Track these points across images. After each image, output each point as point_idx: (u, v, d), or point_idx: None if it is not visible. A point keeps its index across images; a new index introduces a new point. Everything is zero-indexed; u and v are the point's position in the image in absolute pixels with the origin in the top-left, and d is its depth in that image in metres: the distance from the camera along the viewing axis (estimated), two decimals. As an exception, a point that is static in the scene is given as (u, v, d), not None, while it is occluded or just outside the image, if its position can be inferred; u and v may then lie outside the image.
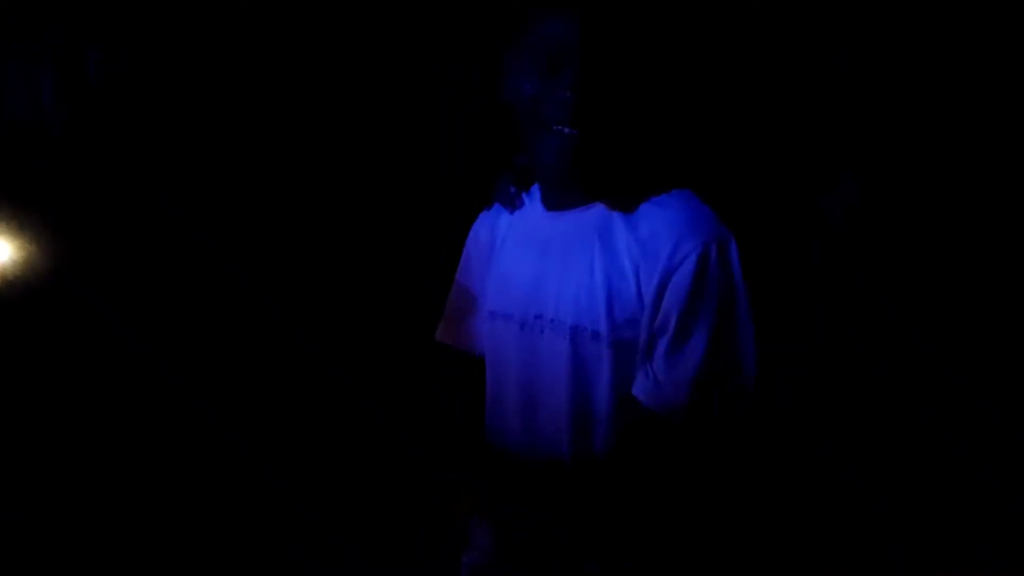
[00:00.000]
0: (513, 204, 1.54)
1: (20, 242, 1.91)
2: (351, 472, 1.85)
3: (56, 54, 1.91)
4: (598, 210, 1.41)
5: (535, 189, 1.52)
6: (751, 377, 1.32)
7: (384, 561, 1.47)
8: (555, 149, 1.35)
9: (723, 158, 1.80)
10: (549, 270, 1.43)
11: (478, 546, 1.53)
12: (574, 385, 1.39)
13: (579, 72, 1.31)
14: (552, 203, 1.47)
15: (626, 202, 1.40)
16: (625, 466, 1.38)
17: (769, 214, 1.78)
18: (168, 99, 1.97)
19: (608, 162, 1.38)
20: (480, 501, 1.52)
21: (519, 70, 1.37)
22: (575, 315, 1.39)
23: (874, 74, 1.80)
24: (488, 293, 1.54)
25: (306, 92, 2.00)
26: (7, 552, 1.82)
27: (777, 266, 1.83)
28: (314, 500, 1.75)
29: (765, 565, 1.60)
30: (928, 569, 1.75)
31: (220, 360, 1.94)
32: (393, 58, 1.99)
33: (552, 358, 1.41)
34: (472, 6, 1.87)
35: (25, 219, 1.92)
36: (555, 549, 1.42)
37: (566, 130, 1.33)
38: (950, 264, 1.80)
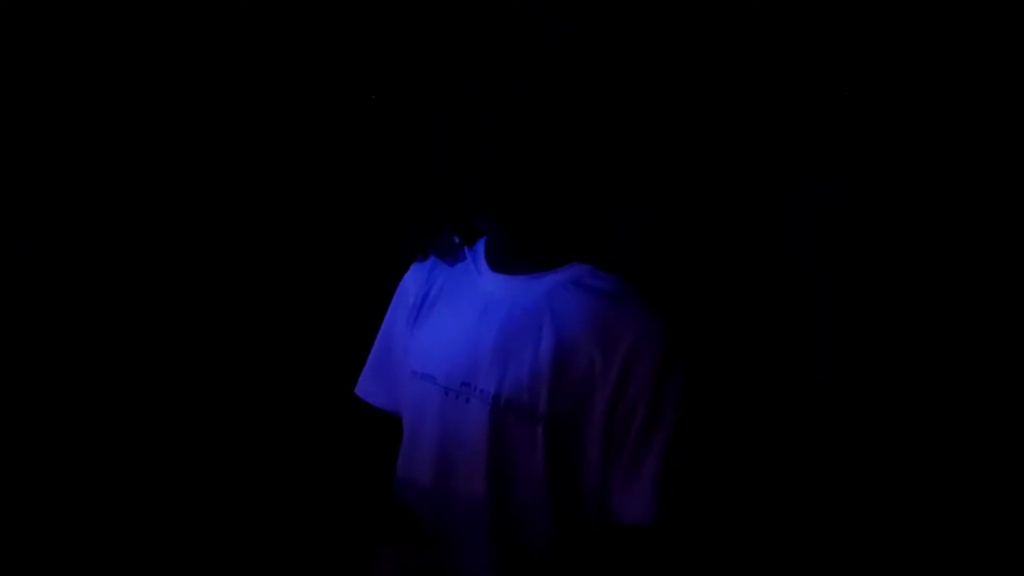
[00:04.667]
0: (455, 257, 1.39)
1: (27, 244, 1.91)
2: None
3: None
4: (551, 280, 1.30)
5: (480, 245, 1.39)
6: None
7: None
8: (509, 203, 1.25)
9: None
10: (485, 335, 1.31)
11: None
12: (494, 463, 1.28)
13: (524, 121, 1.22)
14: (499, 263, 1.33)
15: (582, 278, 1.29)
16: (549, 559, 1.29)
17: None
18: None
19: (568, 220, 1.29)
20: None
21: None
22: (510, 389, 1.29)
23: (860, 80, 1.80)
24: (413, 352, 1.40)
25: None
26: (7, 552, 1.82)
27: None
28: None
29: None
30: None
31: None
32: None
33: (473, 430, 1.30)
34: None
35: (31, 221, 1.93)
36: None
37: (526, 187, 1.23)
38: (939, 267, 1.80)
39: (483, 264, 1.35)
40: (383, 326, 1.48)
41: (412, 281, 1.44)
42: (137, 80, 1.97)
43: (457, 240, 1.39)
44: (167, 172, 2.00)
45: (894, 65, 1.78)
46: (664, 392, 1.25)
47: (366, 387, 1.50)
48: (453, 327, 1.35)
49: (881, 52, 1.78)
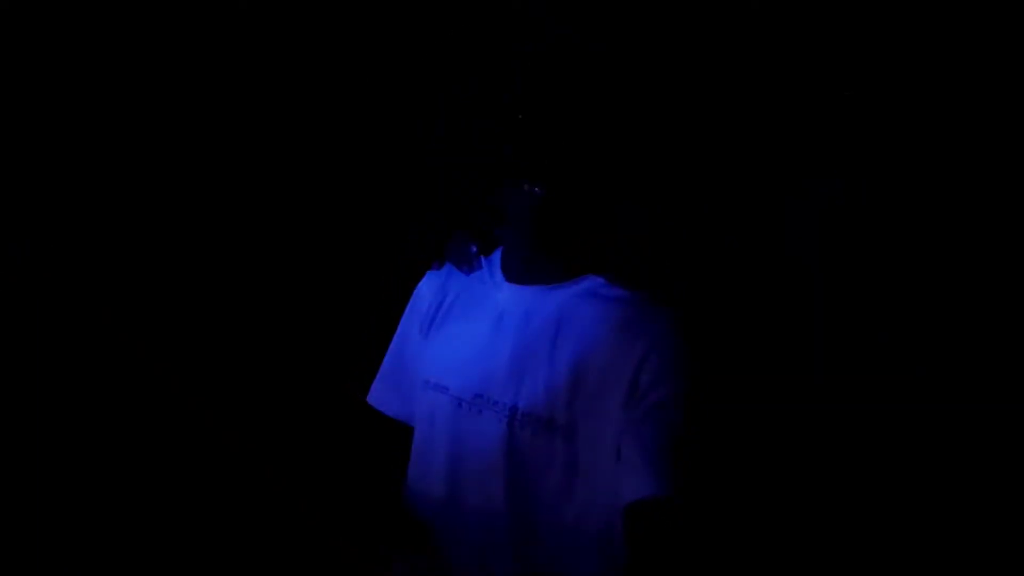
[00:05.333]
0: (471, 266, 1.39)
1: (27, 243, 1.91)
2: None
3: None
4: (565, 291, 1.31)
5: (496, 255, 1.39)
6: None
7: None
8: (521, 208, 1.26)
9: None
10: (500, 347, 1.30)
11: None
12: (512, 476, 1.28)
13: (545, 126, 1.23)
14: (515, 275, 1.33)
15: (596, 289, 1.31)
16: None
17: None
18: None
19: (577, 228, 1.30)
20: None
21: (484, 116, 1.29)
22: (527, 401, 1.28)
23: (859, 80, 1.80)
24: (426, 361, 1.40)
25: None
26: (7, 552, 1.82)
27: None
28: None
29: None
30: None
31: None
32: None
33: (488, 443, 1.29)
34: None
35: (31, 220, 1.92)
36: None
37: (535, 189, 1.24)
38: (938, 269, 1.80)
39: (499, 274, 1.35)
40: (397, 333, 1.49)
41: (427, 289, 1.44)
42: (137, 80, 1.97)
43: (473, 249, 1.39)
44: (167, 172, 2.00)
45: (894, 65, 1.78)
46: (672, 395, 1.26)
47: (378, 394, 1.50)
48: (467, 337, 1.35)
49: (881, 52, 1.78)
